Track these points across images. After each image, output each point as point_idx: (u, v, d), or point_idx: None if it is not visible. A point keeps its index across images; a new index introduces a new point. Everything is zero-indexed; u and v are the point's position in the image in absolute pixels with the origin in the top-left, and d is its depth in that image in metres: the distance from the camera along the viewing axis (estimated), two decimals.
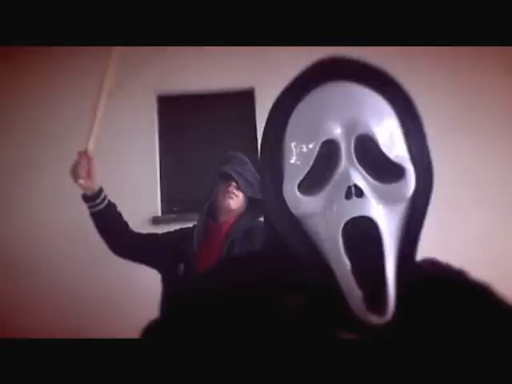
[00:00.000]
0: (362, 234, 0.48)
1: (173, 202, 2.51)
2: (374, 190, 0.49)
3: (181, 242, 1.56)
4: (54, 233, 2.40)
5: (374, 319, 0.46)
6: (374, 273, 0.47)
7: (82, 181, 1.54)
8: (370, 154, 0.50)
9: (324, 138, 0.50)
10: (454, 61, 2.49)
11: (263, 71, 2.51)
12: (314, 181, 0.51)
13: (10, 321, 2.22)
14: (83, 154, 1.57)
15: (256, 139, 2.38)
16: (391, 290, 0.47)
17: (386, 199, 0.49)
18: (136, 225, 1.70)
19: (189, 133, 2.59)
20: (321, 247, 0.51)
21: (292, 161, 0.53)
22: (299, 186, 0.51)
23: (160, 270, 1.60)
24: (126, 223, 1.66)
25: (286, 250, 0.54)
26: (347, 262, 0.47)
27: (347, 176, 0.49)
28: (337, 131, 0.50)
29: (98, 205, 1.58)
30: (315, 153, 0.50)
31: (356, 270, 0.47)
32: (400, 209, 0.51)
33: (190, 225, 1.63)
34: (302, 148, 0.52)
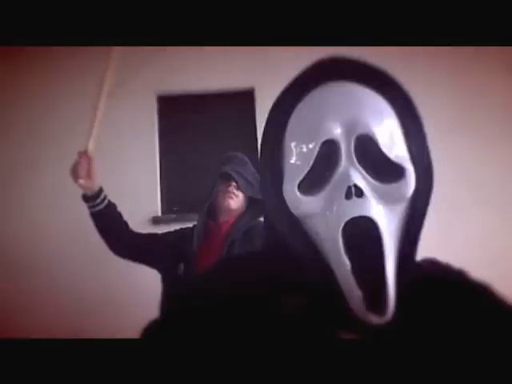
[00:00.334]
0: (362, 233, 0.48)
1: (173, 202, 2.51)
2: (374, 190, 0.49)
3: (181, 242, 1.56)
4: (53, 233, 2.40)
5: (374, 319, 0.46)
6: (374, 273, 0.47)
7: (81, 181, 1.54)
8: (369, 153, 0.50)
9: (324, 138, 0.50)
10: (454, 61, 2.49)
11: (263, 71, 2.51)
12: (313, 181, 0.51)
13: (10, 321, 2.22)
14: (83, 153, 1.57)
15: (256, 139, 2.38)
16: (391, 290, 0.47)
17: (386, 199, 0.49)
18: (136, 225, 1.70)
19: (189, 133, 2.59)
20: (321, 247, 0.51)
21: (292, 161, 0.53)
22: (299, 185, 0.51)
23: (160, 270, 1.60)
24: (125, 223, 1.66)
25: (286, 250, 0.54)
26: (347, 262, 0.47)
27: (347, 176, 0.49)
28: (337, 131, 0.50)
29: (98, 205, 1.58)
30: (315, 153, 0.50)
31: (356, 270, 0.47)
32: (400, 209, 0.51)
33: (190, 225, 1.63)
34: (302, 148, 0.52)
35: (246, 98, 2.55)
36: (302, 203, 0.51)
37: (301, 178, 0.51)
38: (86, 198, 1.58)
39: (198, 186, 2.25)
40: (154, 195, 2.49)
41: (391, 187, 0.50)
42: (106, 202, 1.60)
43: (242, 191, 1.54)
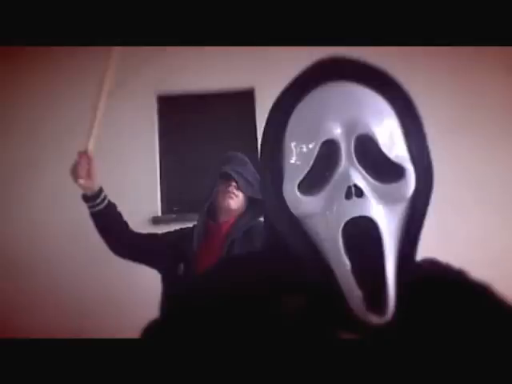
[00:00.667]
0: (362, 233, 0.48)
1: (173, 202, 2.51)
2: (374, 190, 0.49)
3: (181, 242, 1.56)
4: (53, 233, 2.40)
5: (374, 319, 0.46)
6: (374, 273, 0.47)
7: (81, 181, 1.54)
8: (370, 153, 0.50)
9: (324, 138, 0.50)
10: (454, 61, 2.49)
11: (263, 71, 2.51)
12: (314, 181, 0.51)
13: (10, 321, 2.22)
14: (83, 153, 1.57)
15: (256, 139, 2.38)
16: (391, 290, 0.47)
17: (386, 199, 0.49)
18: (136, 225, 1.70)
19: (189, 133, 2.59)
20: (321, 247, 0.51)
21: (292, 161, 0.53)
22: (299, 185, 0.51)
23: (160, 270, 1.60)
24: (126, 223, 1.66)
25: (286, 250, 0.54)
26: (347, 262, 0.47)
27: (347, 176, 0.49)
28: (337, 131, 0.50)
29: (98, 205, 1.58)
30: (315, 153, 0.50)
31: (356, 270, 0.47)
32: (400, 209, 0.51)
33: (190, 225, 1.63)
34: (302, 148, 0.52)
35: (245, 98, 2.55)
36: (302, 203, 0.51)
37: (301, 178, 0.51)
38: (86, 198, 1.58)
39: (197, 186, 2.25)
40: (154, 195, 2.49)
41: (391, 187, 0.50)
42: (106, 201, 1.60)
43: (242, 191, 1.54)
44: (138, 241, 1.64)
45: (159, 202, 2.49)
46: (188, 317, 0.54)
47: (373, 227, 0.48)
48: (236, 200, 1.53)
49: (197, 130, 2.59)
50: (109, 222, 1.61)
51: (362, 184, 0.48)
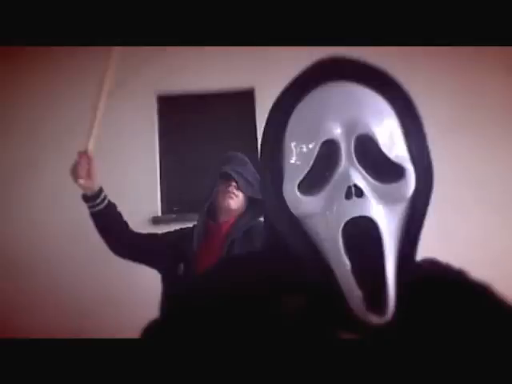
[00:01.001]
0: (362, 233, 0.48)
1: (173, 202, 2.51)
2: (374, 190, 0.49)
3: (181, 242, 1.56)
4: (53, 233, 2.40)
5: (374, 319, 0.46)
6: (374, 273, 0.47)
7: (81, 181, 1.54)
8: (370, 153, 0.50)
9: (324, 138, 0.50)
10: (454, 61, 2.49)
11: (263, 71, 2.51)
12: (314, 181, 0.51)
13: (9, 321, 2.22)
14: (83, 153, 1.57)
15: (256, 139, 2.38)
16: (391, 290, 0.47)
17: (386, 199, 0.49)
18: (136, 225, 1.70)
19: (189, 133, 2.59)
20: (321, 247, 0.51)
21: (292, 161, 0.53)
22: (299, 185, 0.51)
23: (160, 270, 1.60)
24: (126, 223, 1.66)
25: (286, 250, 0.54)
26: (347, 262, 0.47)
27: (347, 176, 0.49)
28: (337, 131, 0.50)
29: (98, 205, 1.58)
30: (315, 153, 0.50)
31: (356, 270, 0.47)
32: (400, 209, 0.51)
33: (190, 225, 1.63)
34: (302, 148, 0.52)
35: (246, 98, 2.55)
36: (302, 203, 0.51)
37: (301, 178, 0.51)
38: (86, 198, 1.58)
39: (198, 186, 2.25)
40: (154, 195, 2.49)
41: (391, 187, 0.50)
42: (106, 201, 1.60)
43: (242, 191, 1.54)
44: (138, 241, 1.64)
45: (159, 202, 2.49)
46: (188, 317, 0.54)
47: (373, 227, 0.48)
48: (236, 200, 1.53)
49: (197, 130, 2.59)
50: (109, 222, 1.61)
51: (362, 184, 0.48)
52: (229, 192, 1.52)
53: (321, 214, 0.50)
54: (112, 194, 1.64)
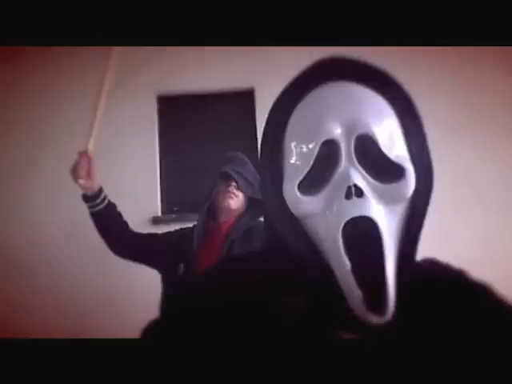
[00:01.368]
0: (362, 233, 0.48)
1: (173, 202, 2.51)
2: (374, 190, 0.49)
3: (181, 242, 1.56)
4: (53, 233, 2.40)
5: (374, 319, 0.46)
6: (374, 273, 0.47)
7: (82, 181, 1.54)
8: (370, 153, 0.50)
9: (324, 138, 0.50)
10: (454, 61, 2.49)
11: (263, 71, 2.51)
12: (314, 181, 0.51)
13: (9, 321, 2.22)
14: (83, 153, 1.57)
15: (256, 139, 2.38)
16: (391, 290, 0.47)
17: (386, 199, 0.49)
18: (136, 225, 1.70)
19: (189, 133, 2.59)
20: (321, 247, 0.51)
21: (292, 161, 0.53)
22: (299, 185, 0.51)
23: (160, 270, 1.60)
24: (125, 223, 1.65)
25: (286, 250, 0.54)
26: (347, 262, 0.47)
27: (347, 176, 0.49)
28: (337, 131, 0.50)
29: (98, 205, 1.58)
30: (315, 153, 0.50)
31: (356, 270, 0.47)
32: (400, 209, 0.51)
33: (190, 225, 1.63)
34: (302, 148, 0.52)
35: (246, 98, 2.55)
36: (302, 203, 0.51)
37: (301, 178, 0.51)
38: (86, 198, 1.58)
39: (198, 186, 2.25)
40: (154, 195, 2.49)
41: (391, 187, 0.50)
42: (106, 201, 1.60)
43: (242, 191, 1.54)
44: (138, 241, 1.64)
45: (159, 202, 2.49)
46: (188, 317, 0.54)
47: (373, 227, 0.48)
48: (236, 200, 1.53)
49: (197, 130, 2.59)
50: (109, 222, 1.61)
51: (362, 184, 0.48)
52: (229, 192, 1.52)
53: (321, 214, 0.50)
54: (112, 194, 1.64)
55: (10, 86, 2.56)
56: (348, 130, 0.50)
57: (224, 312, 0.52)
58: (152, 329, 0.57)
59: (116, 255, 1.65)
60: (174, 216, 2.40)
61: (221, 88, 2.57)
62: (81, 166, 1.55)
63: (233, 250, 1.46)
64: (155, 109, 2.58)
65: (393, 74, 0.55)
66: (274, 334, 0.50)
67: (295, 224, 0.53)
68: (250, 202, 1.56)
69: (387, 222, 0.49)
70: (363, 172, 0.49)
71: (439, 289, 0.55)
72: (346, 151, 0.50)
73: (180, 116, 2.61)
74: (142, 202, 2.41)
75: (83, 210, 1.60)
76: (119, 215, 1.64)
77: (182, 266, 1.49)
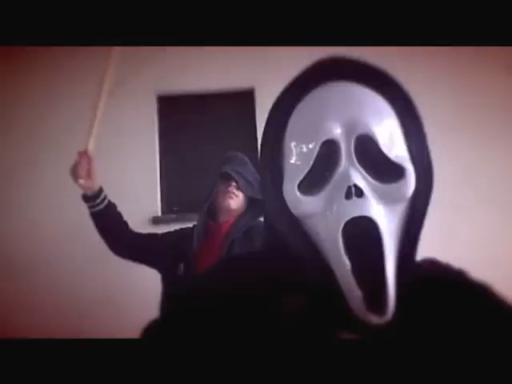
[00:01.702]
0: (362, 233, 0.48)
1: (173, 202, 2.51)
2: (374, 190, 0.49)
3: (181, 242, 1.56)
4: (53, 233, 2.40)
5: (374, 319, 0.46)
6: (374, 273, 0.47)
7: (81, 181, 1.54)
8: (370, 153, 0.50)
9: (324, 138, 0.50)
10: (454, 61, 2.49)
11: (263, 71, 2.51)
12: (314, 181, 0.51)
13: (9, 321, 2.22)
14: (83, 153, 1.57)
15: (256, 139, 2.38)
16: (391, 290, 0.47)
17: (386, 199, 0.49)
18: (136, 225, 1.70)
19: (189, 133, 2.59)
20: (321, 247, 0.51)
21: (292, 161, 0.53)
22: (299, 186, 0.51)
23: (160, 270, 1.60)
24: (125, 223, 1.65)
25: (286, 250, 0.54)
26: (347, 262, 0.47)
27: (347, 176, 0.49)
28: (337, 131, 0.50)
29: (97, 205, 1.58)
30: (315, 153, 0.50)
31: (356, 270, 0.47)
32: (400, 209, 0.51)
33: (190, 225, 1.63)
34: (302, 148, 0.52)
35: (246, 98, 2.55)
36: (302, 203, 0.51)
37: (301, 178, 0.51)
38: (86, 198, 1.58)
39: (198, 186, 2.25)
40: (154, 195, 2.49)
41: (391, 187, 0.50)
42: (106, 201, 1.60)
43: (242, 191, 1.54)
44: (138, 241, 1.64)
45: (159, 202, 2.49)
46: (188, 317, 0.54)
47: (373, 227, 0.48)
48: (236, 200, 1.53)
49: (197, 130, 2.60)
50: (109, 222, 1.61)
51: (362, 184, 0.48)
52: (229, 192, 1.52)
53: (321, 214, 0.50)
54: (112, 194, 1.64)
55: (10, 86, 2.56)
56: (348, 129, 0.50)
57: (224, 312, 0.52)
58: (152, 329, 0.57)
59: (116, 255, 1.65)
60: (173, 216, 2.40)
61: (221, 88, 2.57)
62: (81, 166, 1.54)
63: (233, 250, 1.46)
64: (155, 109, 2.58)
65: (393, 74, 0.55)
66: (274, 334, 0.50)
67: (295, 224, 0.53)
68: (250, 202, 1.56)
69: (387, 221, 0.49)
70: (363, 172, 0.49)
71: (439, 289, 0.55)
72: (346, 151, 0.50)
73: (180, 116, 2.61)
74: (142, 202, 2.41)
75: (83, 210, 1.60)
76: (119, 215, 1.64)
77: (181, 266, 1.49)
